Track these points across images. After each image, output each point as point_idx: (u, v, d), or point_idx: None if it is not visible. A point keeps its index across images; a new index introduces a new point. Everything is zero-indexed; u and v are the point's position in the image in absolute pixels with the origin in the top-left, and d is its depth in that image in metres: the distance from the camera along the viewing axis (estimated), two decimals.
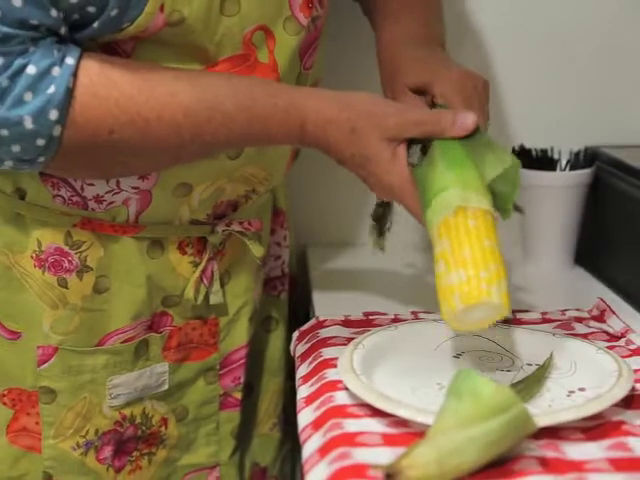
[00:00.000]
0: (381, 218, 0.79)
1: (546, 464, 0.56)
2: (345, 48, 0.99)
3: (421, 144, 0.70)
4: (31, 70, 0.63)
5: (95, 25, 0.65)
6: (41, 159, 0.65)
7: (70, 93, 0.64)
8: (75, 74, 0.64)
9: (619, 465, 0.55)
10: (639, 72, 1.03)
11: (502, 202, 0.67)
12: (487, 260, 0.63)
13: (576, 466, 0.55)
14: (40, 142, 0.64)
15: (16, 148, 0.65)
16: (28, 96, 0.63)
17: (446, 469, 0.53)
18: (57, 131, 0.64)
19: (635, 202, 0.88)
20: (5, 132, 0.64)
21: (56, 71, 0.63)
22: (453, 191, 0.65)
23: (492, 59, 1.03)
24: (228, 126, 0.68)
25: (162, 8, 0.65)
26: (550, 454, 0.56)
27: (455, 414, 0.55)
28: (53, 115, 0.63)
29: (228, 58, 0.70)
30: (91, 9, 0.64)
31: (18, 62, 0.63)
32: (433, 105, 0.74)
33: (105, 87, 0.65)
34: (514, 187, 0.67)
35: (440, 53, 0.79)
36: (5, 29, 0.62)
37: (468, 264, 0.62)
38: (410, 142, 0.70)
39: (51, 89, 0.63)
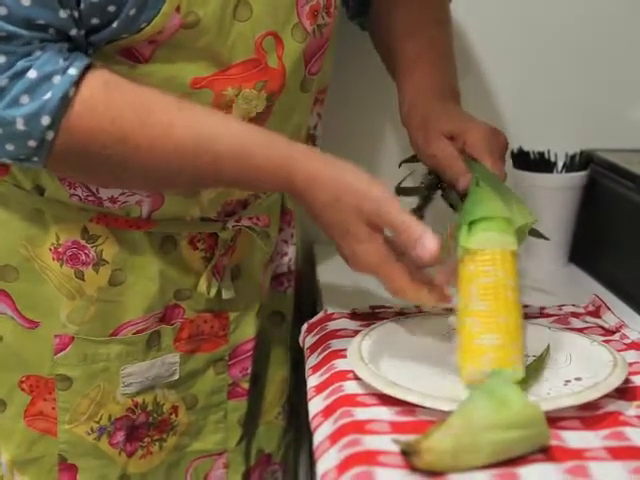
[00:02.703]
0: (430, 187, 0.80)
1: (547, 452, 0.56)
2: (353, 55, 0.98)
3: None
4: (32, 74, 0.62)
5: (114, 25, 0.64)
6: (35, 159, 0.65)
7: (67, 102, 0.63)
8: (77, 84, 0.63)
9: (617, 453, 0.56)
10: (634, 79, 1.04)
11: None
12: (519, 334, 0.65)
13: (576, 454, 0.56)
14: (32, 143, 0.64)
15: (10, 147, 0.64)
16: (24, 99, 0.62)
17: (459, 461, 0.54)
18: (49, 135, 0.64)
19: (627, 203, 0.88)
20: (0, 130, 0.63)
21: (57, 79, 0.63)
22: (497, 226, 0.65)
23: (492, 65, 1.03)
24: (218, 168, 0.66)
25: (178, 9, 0.65)
26: (551, 442, 0.56)
27: (481, 413, 0.55)
28: (45, 120, 0.63)
29: (241, 62, 0.70)
30: (111, 8, 0.63)
31: (21, 64, 0.62)
32: (463, 152, 0.75)
33: (104, 104, 0.64)
34: (523, 237, 0.69)
35: (462, 109, 0.81)
36: (10, 27, 0.61)
37: (503, 332, 0.64)
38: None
39: (47, 95, 0.62)
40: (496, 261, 0.65)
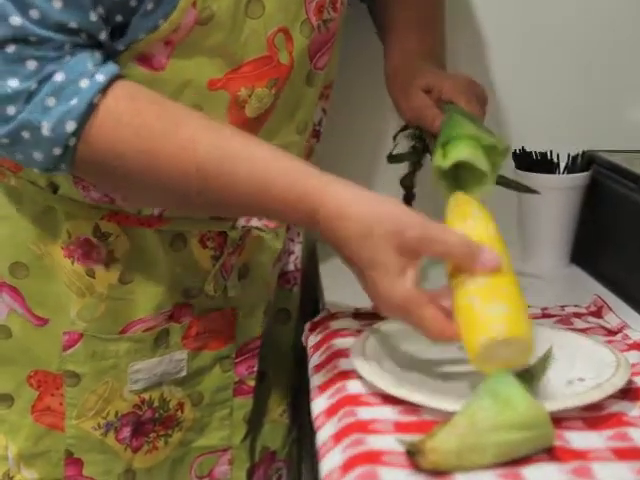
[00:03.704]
0: (409, 185, 0.81)
1: (551, 452, 0.55)
2: (356, 51, 0.97)
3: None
4: (59, 77, 0.61)
5: (133, 22, 0.63)
6: (62, 166, 0.64)
7: (92, 108, 0.62)
8: (104, 92, 0.62)
9: (621, 454, 0.55)
10: (636, 81, 1.03)
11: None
12: (524, 303, 0.61)
13: (580, 455, 0.55)
14: (57, 151, 0.62)
15: (38, 155, 0.63)
16: (51, 102, 0.61)
17: (463, 461, 0.52)
18: (72, 142, 0.62)
19: (629, 203, 0.87)
20: (27, 135, 0.62)
21: (84, 83, 0.61)
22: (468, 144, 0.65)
23: (494, 66, 1.02)
24: (236, 190, 0.63)
25: (195, 4, 0.64)
26: (555, 442, 0.55)
27: (486, 414, 0.54)
28: (70, 126, 0.61)
29: (253, 60, 0.69)
30: (133, 3, 0.63)
31: (50, 68, 0.61)
32: (440, 101, 0.76)
33: (129, 114, 0.63)
34: (497, 168, 0.68)
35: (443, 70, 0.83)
36: (43, 32, 0.60)
37: (510, 301, 0.60)
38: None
39: (74, 100, 0.61)
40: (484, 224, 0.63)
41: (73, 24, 0.61)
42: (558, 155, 0.96)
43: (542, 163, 0.96)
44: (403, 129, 0.84)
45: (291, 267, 0.89)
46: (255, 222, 0.79)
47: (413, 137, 0.82)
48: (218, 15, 0.66)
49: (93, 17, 0.62)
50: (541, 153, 0.97)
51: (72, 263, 0.74)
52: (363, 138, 1.03)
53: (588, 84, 1.02)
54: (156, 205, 0.71)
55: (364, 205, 0.61)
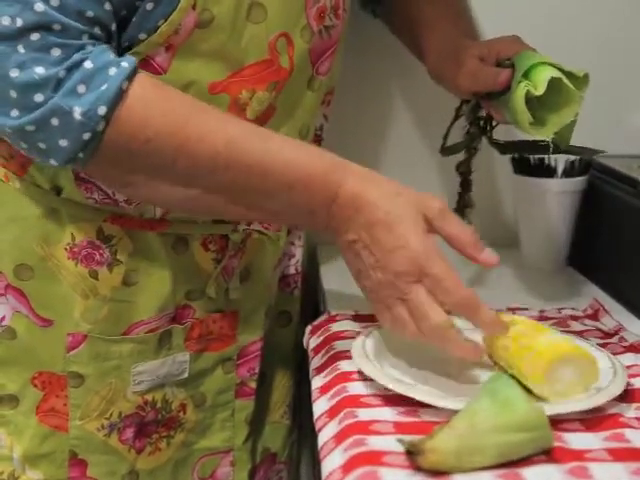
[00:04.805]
0: (462, 211, 0.83)
1: (549, 453, 0.55)
2: (356, 59, 0.98)
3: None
4: (88, 65, 0.62)
5: (133, 20, 0.64)
6: (81, 155, 0.63)
7: (122, 93, 0.62)
8: (131, 79, 0.63)
9: (618, 455, 0.55)
10: (633, 86, 1.03)
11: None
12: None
13: (578, 455, 0.55)
14: (86, 136, 0.62)
15: (63, 142, 0.62)
16: (82, 89, 0.61)
17: (462, 462, 0.53)
18: (101, 126, 0.62)
19: (625, 207, 0.87)
20: (55, 121, 0.62)
21: (112, 71, 0.62)
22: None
23: None
24: (264, 167, 0.64)
25: (194, 6, 0.65)
26: (553, 443, 0.56)
27: (485, 415, 0.54)
28: (101, 110, 0.62)
29: (254, 64, 0.70)
30: (138, 2, 0.64)
31: (77, 56, 0.62)
32: (498, 64, 0.76)
33: (157, 99, 0.64)
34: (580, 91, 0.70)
35: None
36: (64, 19, 0.61)
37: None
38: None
39: (104, 86, 0.62)
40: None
41: (90, 13, 0.62)
42: (556, 160, 0.97)
43: (540, 167, 0.96)
44: (459, 109, 0.83)
45: (292, 270, 0.90)
46: (256, 225, 0.79)
47: (470, 120, 0.81)
48: (218, 18, 0.66)
49: (107, 6, 0.63)
50: (539, 158, 0.97)
51: (76, 265, 0.74)
52: (363, 143, 1.03)
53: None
54: (173, 197, 0.67)
55: (387, 178, 0.65)
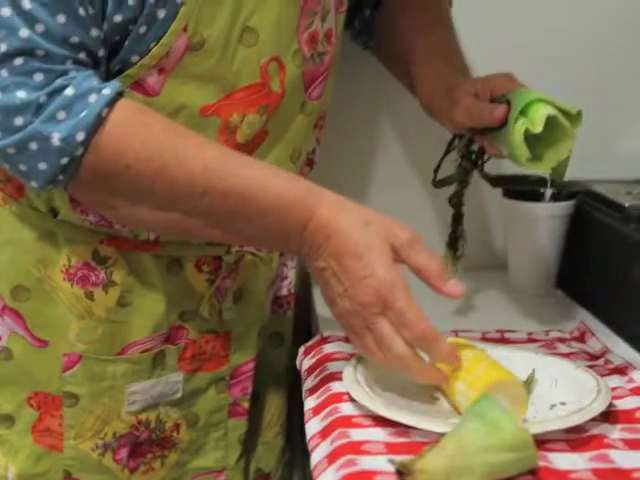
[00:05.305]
0: (455, 243, 0.83)
1: (535, 473, 0.57)
2: (347, 83, 1.00)
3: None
4: (69, 91, 0.64)
5: (126, 44, 0.66)
6: (61, 177, 0.66)
7: (101, 120, 0.64)
8: (112, 106, 0.65)
9: (603, 475, 0.57)
10: (620, 111, 1.05)
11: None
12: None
13: (562, 475, 0.57)
14: (64, 160, 0.64)
15: (43, 166, 0.65)
16: (61, 115, 0.63)
17: None
18: (79, 151, 0.64)
19: (612, 232, 0.89)
20: (34, 146, 0.64)
21: (93, 98, 0.64)
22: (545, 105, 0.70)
23: None
24: (241, 192, 0.65)
25: (186, 28, 0.67)
26: (539, 463, 0.58)
27: (474, 436, 0.56)
28: (80, 137, 0.64)
29: (246, 87, 0.71)
30: (131, 27, 0.66)
31: (59, 82, 0.64)
32: (492, 100, 0.78)
33: (137, 125, 0.66)
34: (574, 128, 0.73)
35: None
36: (48, 45, 0.63)
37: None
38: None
39: (84, 113, 0.64)
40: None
41: (75, 39, 0.64)
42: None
43: (528, 192, 0.98)
44: (452, 143, 0.85)
45: (284, 292, 0.91)
46: (249, 247, 0.80)
47: (462, 154, 0.84)
48: (210, 42, 0.68)
49: (94, 32, 0.65)
50: None
51: (71, 286, 0.76)
52: (354, 165, 1.06)
53: None
54: (153, 221, 0.69)
55: (358, 206, 0.67)
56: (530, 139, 0.72)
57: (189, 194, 0.66)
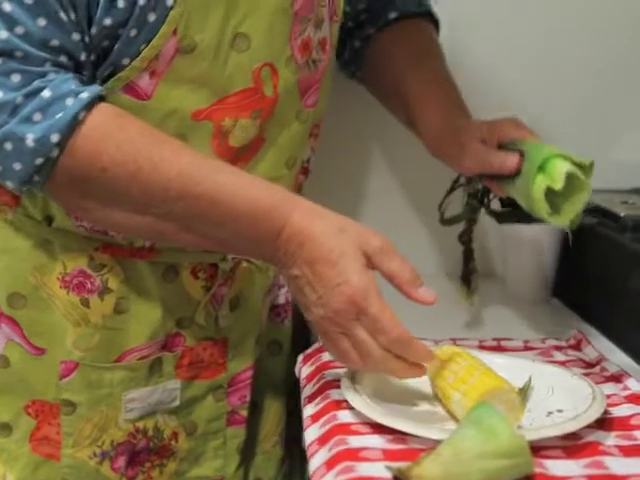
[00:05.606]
0: (468, 278, 0.86)
1: (531, 479, 0.58)
2: (343, 89, 1.01)
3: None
4: (46, 94, 0.65)
5: (116, 47, 0.67)
6: (36, 178, 0.66)
7: (76, 122, 0.65)
8: (89, 109, 0.66)
9: None
10: (614, 121, 1.07)
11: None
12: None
13: None
14: (38, 161, 0.65)
15: (17, 166, 0.66)
16: (37, 116, 0.65)
17: None
18: (55, 153, 0.65)
19: (607, 241, 0.91)
20: (9, 146, 0.65)
21: (70, 101, 0.65)
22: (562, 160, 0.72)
23: None
24: (213, 197, 0.66)
25: (175, 32, 0.68)
26: (535, 470, 0.59)
27: (470, 442, 0.57)
28: (54, 138, 0.65)
29: (239, 91, 0.72)
30: (121, 30, 0.67)
31: (36, 83, 0.65)
32: (500, 146, 0.80)
33: (113, 128, 0.67)
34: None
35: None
36: (26, 47, 0.64)
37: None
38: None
39: (59, 115, 0.65)
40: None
41: (55, 42, 0.65)
42: None
43: None
44: (455, 184, 0.87)
45: (282, 300, 0.92)
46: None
47: (468, 192, 0.86)
48: (201, 46, 0.69)
49: (75, 36, 0.66)
50: None
51: (67, 293, 0.77)
52: (349, 175, 1.07)
53: (571, 123, 1.06)
54: (127, 224, 0.70)
55: (333, 212, 0.68)
56: (548, 193, 0.74)
57: (163, 198, 0.67)
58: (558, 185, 0.72)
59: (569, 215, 0.75)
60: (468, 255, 0.90)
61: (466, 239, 0.90)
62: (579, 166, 0.74)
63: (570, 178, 0.73)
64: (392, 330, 0.64)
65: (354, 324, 0.65)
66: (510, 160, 0.77)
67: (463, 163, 0.82)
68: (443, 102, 0.86)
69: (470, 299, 0.90)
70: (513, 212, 0.83)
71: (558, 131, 1.05)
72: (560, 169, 0.73)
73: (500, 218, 0.87)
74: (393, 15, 0.91)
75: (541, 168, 0.73)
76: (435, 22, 0.95)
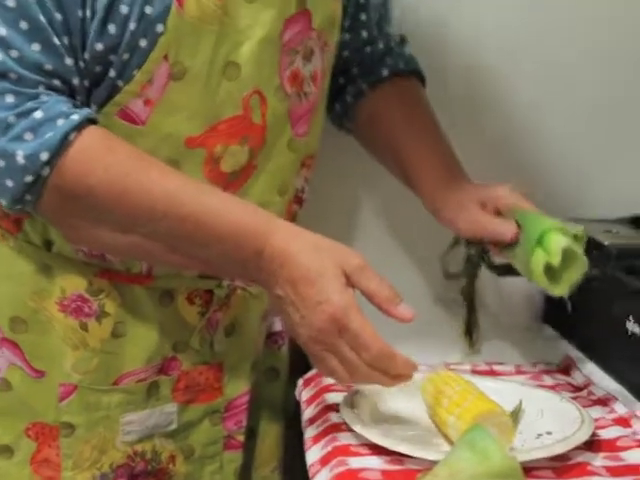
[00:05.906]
0: (470, 330, 0.89)
1: None
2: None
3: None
4: (38, 115, 0.67)
5: (110, 71, 0.70)
6: (28, 197, 0.69)
7: (66, 143, 0.67)
8: (79, 130, 0.68)
9: None
10: (597, 155, 1.10)
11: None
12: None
13: None
14: (28, 179, 0.67)
15: (9, 183, 0.68)
16: (28, 136, 0.67)
17: None
18: (45, 172, 0.67)
19: (592, 270, 0.94)
20: (1, 163, 0.67)
21: (60, 122, 0.67)
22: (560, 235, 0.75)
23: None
24: (198, 218, 0.69)
25: (167, 57, 0.70)
26: None
27: (465, 464, 0.59)
28: (44, 156, 0.67)
29: (230, 118, 0.75)
30: (112, 57, 0.69)
31: (29, 104, 0.67)
32: (497, 213, 0.83)
33: (102, 151, 0.69)
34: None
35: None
36: (20, 70, 0.67)
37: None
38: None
39: (49, 134, 0.67)
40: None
41: (49, 66, 0.68)
42: None
43: None
44: (454, 244, 0.90)
45: (278, 327, 0.94)
46: (240, 282, 0.83)
47: (468, 252, 0.89)
48: (192, 72, 0.71)
49: (68, 61, 0.68)
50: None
51: (66, 317, 0.78)
52: (342, 203, 1.09)
53: (555, 155, 1.09)
54: (113, 243, 0.72)
55: (312, 234, 0.70)
56: (546, 265, 0.77)
57: (149, 218, 0.69)
58: (556, 260, 0.75)
59: (567, 285, 0.78)
60: (470, 310, 0.93)
61: (468, 293, 0.92)
62: (574, 236, 0.77)
63: (567, 251, 0.76)
64: (373, 345, 0.66)
65: (338, 342, 0.67)
66: (509, 230, 0.80)
67: (461, 226, 0.84)
68: (438, 162, 0.88)
69: (472, 349, 0.92)
70: (512, 266, 0.86)
71: (543, 170, 1.08)
72: (557, 244, 0.75)
73: (499, 271, 0.91)
74: (385, 72, 0.93)
75: (539, 242, 0.76)
76: (422, 80, 0.96)
